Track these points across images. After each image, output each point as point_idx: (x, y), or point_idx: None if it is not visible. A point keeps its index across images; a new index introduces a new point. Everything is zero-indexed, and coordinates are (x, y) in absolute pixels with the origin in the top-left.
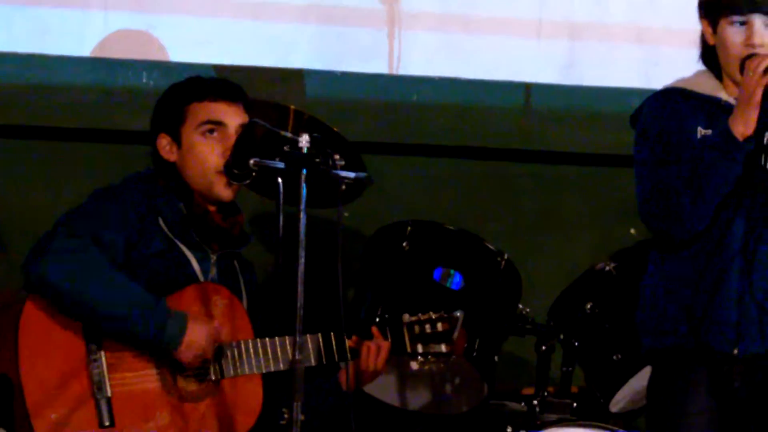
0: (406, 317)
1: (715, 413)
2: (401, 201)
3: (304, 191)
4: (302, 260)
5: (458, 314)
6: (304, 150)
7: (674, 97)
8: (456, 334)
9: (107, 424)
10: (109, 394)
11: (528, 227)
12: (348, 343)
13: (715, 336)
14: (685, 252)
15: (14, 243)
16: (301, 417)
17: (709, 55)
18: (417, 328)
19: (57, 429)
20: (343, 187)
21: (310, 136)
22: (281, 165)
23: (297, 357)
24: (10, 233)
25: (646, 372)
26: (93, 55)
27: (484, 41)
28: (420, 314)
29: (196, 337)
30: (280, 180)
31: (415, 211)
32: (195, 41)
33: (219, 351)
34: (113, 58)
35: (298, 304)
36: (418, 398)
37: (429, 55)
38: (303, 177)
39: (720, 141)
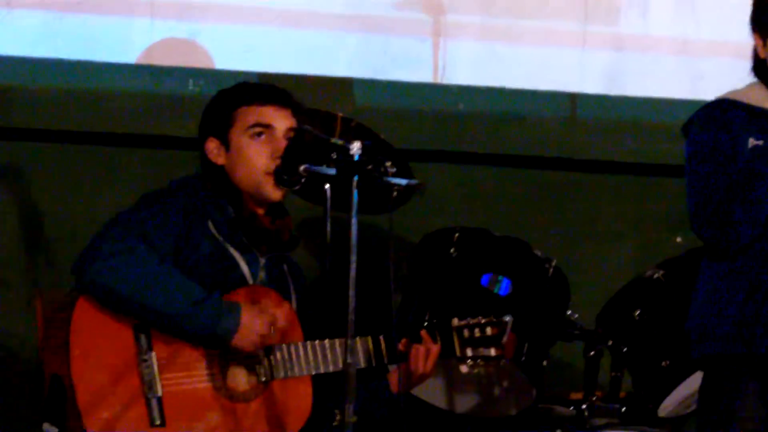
0: (456, 321)
1: (766, 420)
2: (446, 208)
3: (355, 198)
4: (353, 264)
5: (508, 319)
6: (356, 157)
7: (726, 108)
8: (505, 338)
9: (158, 423)
10: (160, 393)
11: (572, 236)
12: (397, 346)
13: (765, 343)
14: (736, 261)
15: (60, 247)
16: (353, 419)
17: (761, 67)
18: (466, 332)
19: (108, 428)
20: (395, 194)
21: (362, 143)
22: (332, 171)
23: (348, 359)
24: (56, 237)
25: (694, 378)
26: (139, 63)
27: (529, 51)
28: (469, 318)
29: (250, 324)
30: (327, 186)
31: (460, 219)
32: (240, 49)
33: (268, 349)
34: (159, 65)
35: (350, 308)
36: (466, 401)
37: (474, 64)
38: (354, 184)
39: None
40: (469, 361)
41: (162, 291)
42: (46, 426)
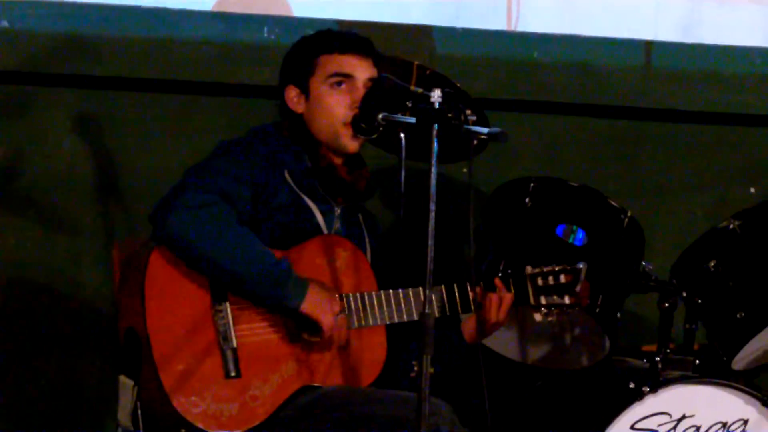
0: (529, 269)
1: None
2: (520, 158)
3: (435, 147)
4: (432, 214)
5: (581, 266)
6: (437, 105)
7: None
8: (579, 286)
9: (233, 374)
10: (234, 344)
11: (648, 186)
12: (471, 296)
13: None
14: None
15: (135, 196)
16: (431, 370)
17: None
18: (540, 280)
19: (183, 380)
20: (475, 142)
21: (442, 91)
22: (412, 120)
23: (427, 310)
24: (131, 186)
25: None
26: (215, 10)
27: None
28: (543, 266)
29: (316, 304)
30: (402, 135)
31: (534, 169)
32: None
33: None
34: (235, 12)
35: (428, 258)
36: (539, 352)
37: (547, 12)
38: (435, 132)
39: None
40: (543, 309)
41: (235, 251)
42: (122, 378)
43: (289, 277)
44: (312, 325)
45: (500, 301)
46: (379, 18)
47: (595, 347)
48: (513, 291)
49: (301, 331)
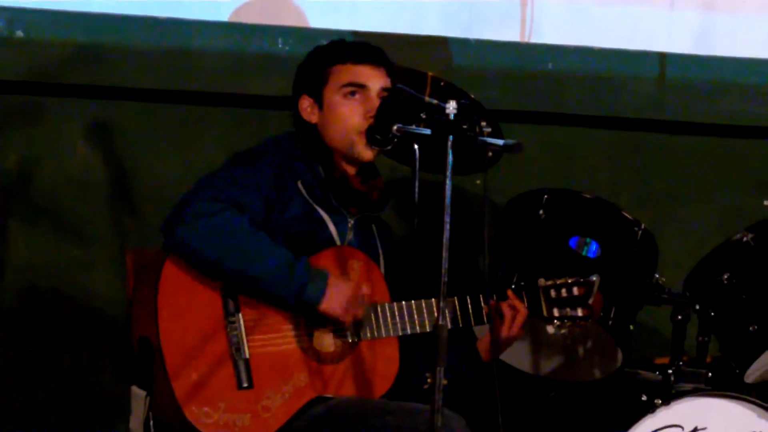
0: (542, 281)
1: None
2: (534, 169)
3: (450, 158)
4: (447, 225)
5: (594, 278)
6: (451, 116)
7: None
8: (592, 298)
9: (245, 385)
10: (247, 355)
11: (660, 197)
12: (484, 308)
13: None
14: None
15: (148, 206)
16: (444, 382)
17: None
18: (553, 293)
19: (196, 390)
20: (490, 154)
21: (458, 103)
22: (427, 131)
23: (440, 321)
24: (144, 196)
25: None
26: (230, 20)
27: (617, 10)
28: (556, 279)
29: (337, 291)
30: (416, 146)
31: (548, 180)
32: (331, 8)
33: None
34: (248, 23)
35: (443, 269)
36: (552, 364)
37: (561, 23)
38: (450, 144)
39: None
40: (555, 321)
41: (250, 255)
42: (134, 388)
43: (307, 272)
44: (332, 320)
45: (515, 315)
46: (393, 29)
47: (608, 359)
48: (526, 303)
49: (318, 325)
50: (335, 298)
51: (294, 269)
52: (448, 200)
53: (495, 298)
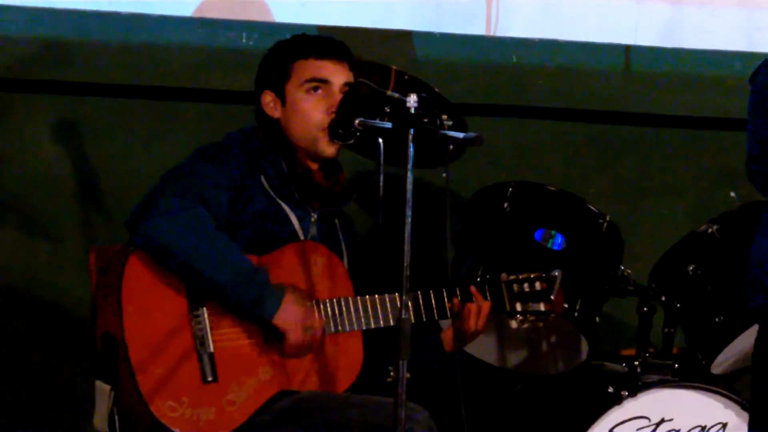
0: (505, 276)
1: None
2: (500, 162)
3: (411, 152)
4: (409, 219)
5: (556, 273)
6: (412, 110)
7: None
8: (555, 293)
9: (210, 379)
10: (211, 349)
11: (628, 190)
12: (447, 304)
13: None
14: None
15: (115, 202)
16: (407, 375)
17: None
18: (515, 287)
19: (161, 384)
20: (451, 147)
21: (418, 96)
22: (388, 125)
23: (403, 315)
24: (110, 192)
25: (748, 334)
26: (194, 16)
27: (583, 3)
28: (518, 273)
29: (290, 314)
30: (380, 140)
31: (515, 173)
32: (296, 2)
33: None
34: (213, 18)
35: (405, 263)
36: (518, 357)
37: (526, 17)
38: (411, 137)
39: None
40: (518, 315)
41: (212, 257)
42: (98, 383)
43: (265, 286)
44: (281, 336)
45: (479, 310)
46: (359, 23)
47: (574, 352)
48: (489, 298)
49: (274, 339)
50: (288, 317)
51: (253, 279)
52: (409, 194)
53: (458, 293)
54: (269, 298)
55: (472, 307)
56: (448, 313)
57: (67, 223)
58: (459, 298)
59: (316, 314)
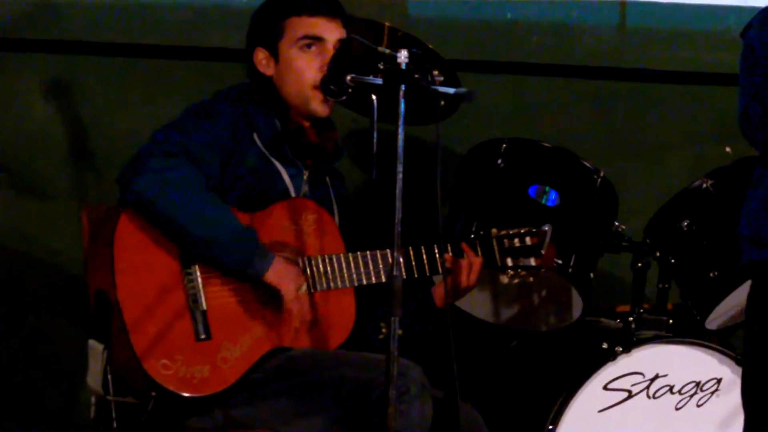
0: (495, 231)
1: None
2: (495, 119)
3: (402, 107)
4: (400, 175)
5: (546, 228)
6: (403, 66)
7: None
8: (545, 248)
9: (203, 337)
10: (204, 307)
11: (623, 146)
12: (440, 259)
13: None
14: None
15: (106, 160)
16: (399, 331)
17: None
18: (506, 242)
19: (154, 343)
20: (442, 103)
21: (409, 52)
22: (379, 81)
23: (395, 272)
24: (102, 150)
25: (742, 289)
26: None
27: None
28: (509, 228)
29: (282, 270)
30: (374, 97)
31: (509, 130)
32: None
33: (309, 260)
34: None
35: (396, 219)
36: (511, 313)
37: None
38: (402, 93)
39: None
40: (509, 270)
41: (201, 216)
42: (91, 342)
43: (255, 245)
44: (274, 295)
45: (470, 265)
46: None
47: (567, 308)
48: (480, 254)
49: (267, 297)
50: (280, 272)
51: (242, 238)
52: (400, 150)
53: (450, 249)
54: (259, 257)
55: (463, 262)
56: (440, 269)
57: (60, 182)
58: (451, 253)
59: (304, 278)
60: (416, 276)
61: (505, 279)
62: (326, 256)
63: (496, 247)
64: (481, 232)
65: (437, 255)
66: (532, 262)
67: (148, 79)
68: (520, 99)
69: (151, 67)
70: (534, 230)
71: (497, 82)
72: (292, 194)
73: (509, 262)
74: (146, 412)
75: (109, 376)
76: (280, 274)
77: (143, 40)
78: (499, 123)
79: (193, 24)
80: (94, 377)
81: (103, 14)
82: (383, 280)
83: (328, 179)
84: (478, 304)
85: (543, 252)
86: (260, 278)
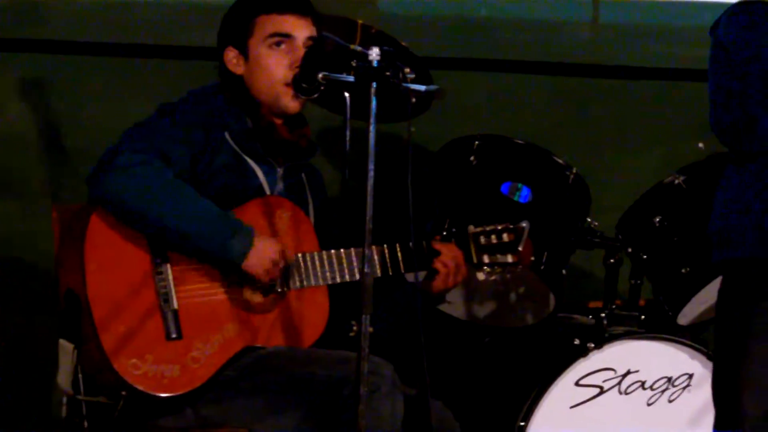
0: (472, 228)
1: None
2: (470, 116)
3: (374, 105)
4: (371, 173)
5: (524, 224)
6: (374, 63)
7: (753, 8)
8: (522, 245)
9: (174, 336)
10: (175, 306)
11: (597, 142)
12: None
13: None
14: (757, 164)
15: (80, 158)
16: (370, 329)
17: None
18: (483, 239)
19: (124, 342)
20: (414, 100)
21: (381, 50)
22: (351, 79)
23: (366, 269)
24: (76, 148)
25: (714, 285)
26: None
27: None
28: (485, 225)
29: (262, 251)
30: (347, 94)
31: (484, 126)
32: None
33: (286, 269)
34: None
35: (367, 217)
36: (486, 311)
37: None
38: (373, 90)
39: None
40: (485, 267)
41: (175, 207)
42: (62, 341)
43: (232, 228)
44: (247, 293)
45: (455, 259)
46: None
47: (541, 305)
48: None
49: (244, 284)
50: (258, 256)
51: (219, 223)
52: (372, 148)
53: (425, 246)
54: (238, 237)
55: (450, 264)
56: (416, 266)
57: (33, 180)
58: (426, 251)
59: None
60: (390, 273)
61: (481, 276)
62: (300, 254)
63: (472, 245)
64: (454, 230)
65: (413, 253)
66: (509, 258)
67: (122, 78)
68: (495, 96)
69: (125, 66)
70: (511, 227)
71: (472, 78)
72: (267, 191)
73: (486, 259)
74: (117, 411)
75: (80, 376)
76: (257, 258)
77: (118, 38)
78: (474, 120)
79: (168, 23)
80: (64, 377)
81: (78, 13)
82: (357, 278)
83: (303, 176)
84: (452, 302)
85: (520, 249)
86: (240, 263)
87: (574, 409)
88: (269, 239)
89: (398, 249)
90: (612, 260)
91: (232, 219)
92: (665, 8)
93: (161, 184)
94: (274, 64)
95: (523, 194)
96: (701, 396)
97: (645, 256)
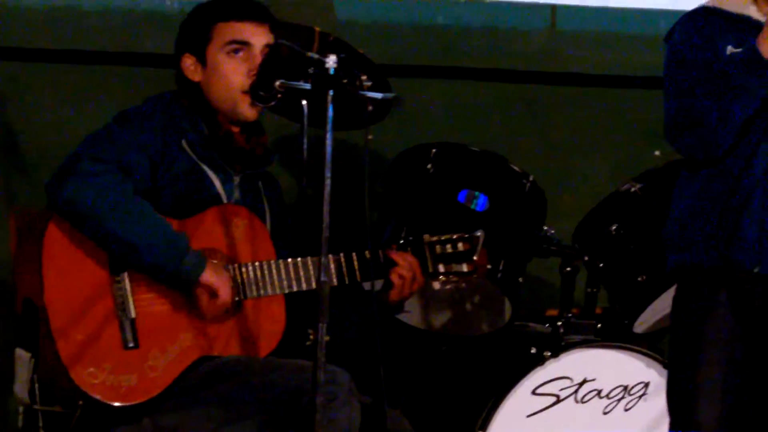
0: (427, 237)
1: (736, 332)
2: (427, 124)
3: (330, 112)
4: (328, 181)
5: (479, 234)
6: (331, 71)
7: (705, 17)
8: (477, 254)
9: (131, 345)
10: (133, 315)
11: (555, 149)
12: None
13: (737, 254)
14: (711, 171)
15: (37, 166)
16: (326, 338)
17: None
18: (438, 248)
19: (81, 351)
20: (370, 107)
21: (337, 57)
22: (307, 86)
23: (322, 277)
24: (33, 156)
25: (670, 293)
26: None
27: None
28: (441, 234)
29: (216, 270)
30: (304, 102)
31: (442, 134)
32: None
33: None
34: None
35: (324, 225)
36: (442, 319)
37: None
38: (330, 98)
39: (746, 58)
40: (441, 277)
41: (131, 222)
42: (18, 351)
43: (186, 248)
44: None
45: (411, 267)
46: None
47: (498, 313)
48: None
49: (196, 305)
50: (216, 274)
51: (172, 243)
52: (328, 156)
53: (381, 255)
54: (191, 260)
55: (406, 274)
56: (372, 275)
57: None
58: (383, 260)
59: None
60: (347, 282)
61: (437, 285)
62: (257, 263)
63: (428, 254)
64: (411, 238)
65: (370, 261)
66: (464, 268)
67: (79, 85)
68: (453, 103)
69: (82, 73)
70: (466, 236)
71: (429, 86)
72: (224, 200)
73: (441, 268)
74: (74, 420)
75: (36, 385)
76: (216, 275)
77: (74, 45)
78: (431, 127)
79: (125, 30)
80: (21, 386)
81: (34, 20)
82: (314, 286)
83: (260, 184)
84: (409, 311)
85: (475, 258)
86: (196, 281)
87: (531, 417)
88: (219, 272)
89: (354, 258)
90: (568, 268)
91: (185, 244)
92: (622, 16)
93: (121, 198)
94: (231, 71)
95: (480, 202)
96: (657, 404)
97: (601, 264)
